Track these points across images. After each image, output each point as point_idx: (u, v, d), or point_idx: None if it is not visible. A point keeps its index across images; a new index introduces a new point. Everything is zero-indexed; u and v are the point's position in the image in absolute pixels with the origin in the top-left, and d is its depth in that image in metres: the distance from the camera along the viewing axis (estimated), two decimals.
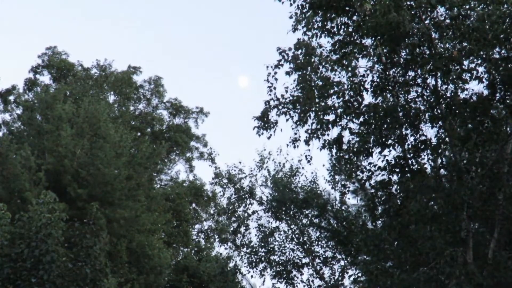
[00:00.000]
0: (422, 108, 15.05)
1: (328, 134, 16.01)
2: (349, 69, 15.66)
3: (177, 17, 71.25)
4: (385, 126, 15.02)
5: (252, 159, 29.11)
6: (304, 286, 25.99)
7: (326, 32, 15.53)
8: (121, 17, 69.21)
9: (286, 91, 16.33)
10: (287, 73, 16.06)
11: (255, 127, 16.39)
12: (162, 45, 69.24)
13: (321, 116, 15.88)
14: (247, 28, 73.09)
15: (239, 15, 71.22)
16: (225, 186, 28.56)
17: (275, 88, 16.44)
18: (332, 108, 15.80)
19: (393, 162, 15.18)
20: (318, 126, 15.94)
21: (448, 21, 14.30)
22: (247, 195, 27.88)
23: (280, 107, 16.32)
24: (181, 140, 42.20)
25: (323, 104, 15.94)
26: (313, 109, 15.96)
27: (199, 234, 40.29)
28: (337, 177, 25.41)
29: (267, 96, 16.52)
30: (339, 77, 15.97)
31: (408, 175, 15.05)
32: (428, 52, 14.41)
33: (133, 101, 43.60)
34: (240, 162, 28.80)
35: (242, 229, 27.67)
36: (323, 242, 26.29)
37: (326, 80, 15.85)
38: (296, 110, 16.20)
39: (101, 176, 26.42)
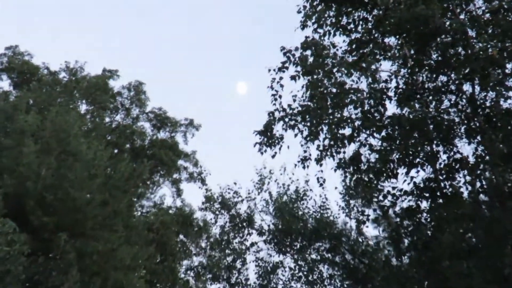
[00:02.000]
0: (457, 120, 14.86)
1: (343, 152, 16.00)
2: (369, 73, 15.81)
3: (163, 13, 71.36)
4: (412, 141, 14.81)
5: (250, 180, 28.78)
6: None
7: (340, 29, 15.45)
8: (96, 12, 69.43)
9: (294, 100, 16.38)
10: (293, 78, 15.86)
11: (257, 143, 16.35)
12: (145, 45, 69.34)
13: (336, 130, 15.80)
14: (245, 27, 73.11)
15: (237, 12, 71.28)
16: (217, 213, 28.31)
17: (280, 97, 16.42)
18: (349, 120, 15.68)
19: (422, 185, 14.92)
20: (332, 142, 15.93)
21: (487, 15, 14.06)
22: (244, 223, 27.48)
23: (286, 120, 16.26)
24: (166, 158, 41.78)
25: (337, 115, 15.87)
26: (326, 121, 16.04)
27: (188, 271, 39.84)
28: (353, 202, 25.11)
29: (270, 106, 16.42)
30: (357, 82, 16.05)
31: (440, 200, 14.81)
32: (463, 53, 14.16)
33: (110, 111, 43.12)
34: (235, 184, 28.57)
35: (238, 264, 27.25)
36: (337, 280, 25.66)
37: (341, 87, 15.82)
38: (306, 123, 16.15)
39: (70, 201, 25.97)
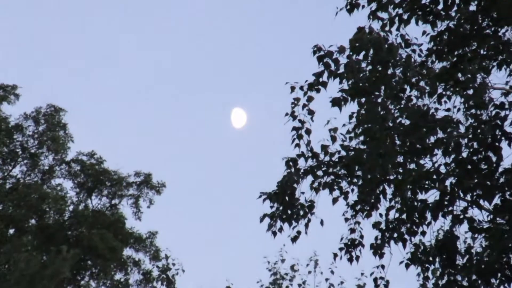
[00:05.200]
0: None
1: (422, 232, 13.42)
2: (470, 92, 12.81)
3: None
4: None
5: (257, 282, 25.95)
6: None
7: (419, 13, 12.34)
8: None
9: (333, 139, 13.47)
10: (336, 103, 12.77)
11: (266, 215, 13.51)
12: (68, 50, 66.27)
13: (409, 194, 12.90)
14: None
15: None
16: None
17: (308, 133, 13.52)
18: (434, 177, 12.58)
19: None
20: (403, 216, 12.96)
21: None
22: None
23: (319, 173, 13.46)
24: (103, 246, 35.94)
25: (412, 167, 12.99)
26: (392, 177, 13.11)
27: None
28: None
29: (290, 148, 13.64)
30: (449, 109, 13.09)
31: None
32: None
33: (1, 160, 37.97)
34: None
35: None
36: None
37: (419, 117, 12.65)
38: (355, 180, 13.48)
39: None
